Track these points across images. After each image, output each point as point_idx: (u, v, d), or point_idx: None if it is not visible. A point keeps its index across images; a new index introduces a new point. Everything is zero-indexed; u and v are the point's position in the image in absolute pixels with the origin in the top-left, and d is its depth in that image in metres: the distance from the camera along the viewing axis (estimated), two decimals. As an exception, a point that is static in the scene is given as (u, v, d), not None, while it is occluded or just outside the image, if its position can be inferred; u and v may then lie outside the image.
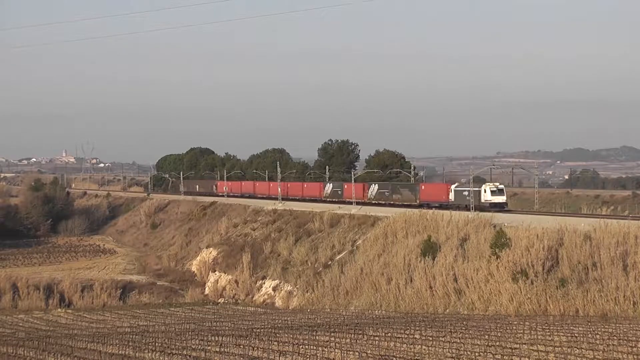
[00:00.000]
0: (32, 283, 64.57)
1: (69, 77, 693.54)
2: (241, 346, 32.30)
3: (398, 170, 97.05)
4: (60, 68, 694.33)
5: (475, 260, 47.23)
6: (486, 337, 32.29)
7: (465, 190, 71.76)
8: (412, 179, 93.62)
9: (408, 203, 76.69)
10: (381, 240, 57.96)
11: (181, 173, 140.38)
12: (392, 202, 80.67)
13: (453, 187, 74.57)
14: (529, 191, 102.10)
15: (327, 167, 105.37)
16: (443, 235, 53.04)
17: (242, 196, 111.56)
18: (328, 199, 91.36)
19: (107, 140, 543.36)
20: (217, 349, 32.02)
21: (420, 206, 72.59)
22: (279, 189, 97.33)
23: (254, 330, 39.78)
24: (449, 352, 28.80)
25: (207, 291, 70.70)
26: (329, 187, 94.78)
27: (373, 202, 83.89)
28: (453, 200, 72.66)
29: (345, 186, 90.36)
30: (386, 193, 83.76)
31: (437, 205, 71.75)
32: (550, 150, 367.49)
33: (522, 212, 63.92)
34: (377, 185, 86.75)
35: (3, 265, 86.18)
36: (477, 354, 28.09)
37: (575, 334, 32.08)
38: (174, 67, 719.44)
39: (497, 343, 30.29)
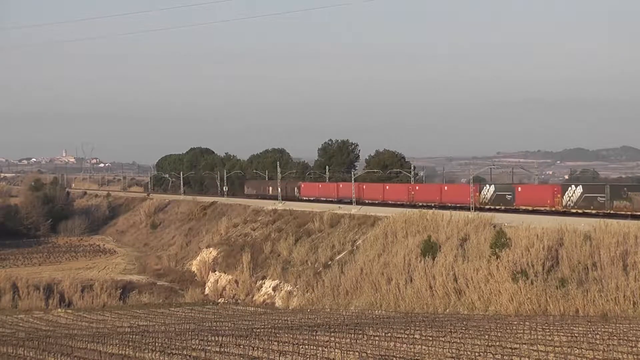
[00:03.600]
0: (32, 283, 64.58)
1: (69, 77, 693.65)
2: (241, 346, 32.30)
3: (398, 170, 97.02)
4: (60, 68, 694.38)
5: (475, 260, 47.26)
6: (486, 337, 32.29)
7: None
8: (412, 179, 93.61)
9: None
10: (381, 240, 57.99)
11: (181, 173, 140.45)
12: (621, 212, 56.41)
13: None
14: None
15: (327, 167, 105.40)
16: (443, 235, 53.06)
17: (317, 200, 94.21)
18: (486, 207, 68.41)
19: (107, 140, 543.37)
20: (217, 349, 32.02)
21: None
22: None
23: (254, 330, 39.78)
24: (449, 352, 28.80)
25: (207, 291, 70.71)
26: (488, 190, 71.08)
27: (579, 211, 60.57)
28: None
29: (519, 189, 68.53)
30: (599, 199, 59.37)
31: None
32: (550, 150, 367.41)
33: (522, 212, 63.90)
34: (580, 187, 62.57)
35: (3, 265, 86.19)
36: (477, 354, 28.09)
37: (575, 334, 32.08)
38: (174, 67, 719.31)
39: (497, 343, 30.29)
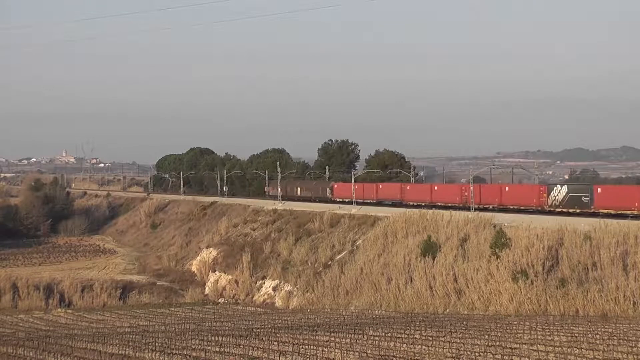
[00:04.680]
0: (32, 283, 64.60)
1: (69, 77, 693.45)
2: (241, 346, 32.29)
3: (398, 170, 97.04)
4: (60, 68, 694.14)
5: (475, 260, 47.27)
6: (486, 337, 32.29)
7: None
8: (412, 179, 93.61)
9: None
10: (381, 240, 58.01)
11: (181, 173, 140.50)
12: None
13: None
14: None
15: (327, 167, 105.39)
16: (443, 235, 53.08)
17: (358, 202, 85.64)
18: (556, 210, 61.91)
19: (107, 140, 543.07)
20: (217, 349, 32.02)
21: None
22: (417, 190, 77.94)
23: (254, 330, 39.78)
24: (449, 352, 28.80)
25: (207, 291, 70.72)
26: (558, 191, 63.13)
27: None
28: None
29: (599, 190, 59.88)
30: None
31: None
32: (550, 150, 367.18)
33: (522, 212, 63.80)
34: None
35: (3, 265, 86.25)
36: (477, 354, 28.09)
37: (575, 334, 32.08)
38: (174, 67, 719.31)
39: (497, 343, 30.29)
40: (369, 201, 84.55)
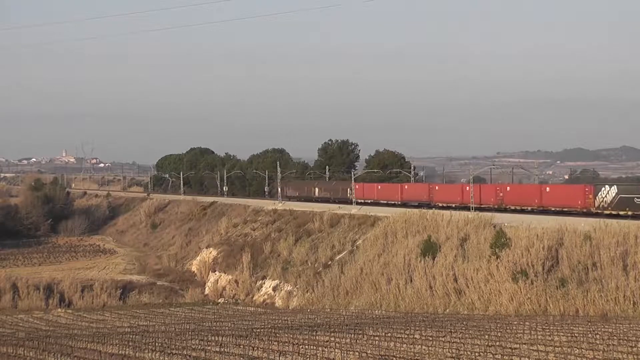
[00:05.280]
0: (32, 283, 64.61)
1: (69, 77, 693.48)
2: (241, 346, 32.29)
3: (398, 170, 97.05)
4: (60, 68, 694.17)
5: (475, 260, 47.26)
6: (486, 337, 32.28)
7: None
8: (412, 179, 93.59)
9: None
10: (381, 240, 57.99)
11: (181, 173, 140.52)
12: None
13: None
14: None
15: (327, 167, 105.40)
16: (443, 235, 53.07)
17: (376, 203, 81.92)
18: (604, 212, 57.41)
19: (107, 140, 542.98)
20: (217, 349, 32.01)
21: None
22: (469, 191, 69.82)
23: (254, 330, 39.77)
24: (449, 352, 28.79)
25: (207, 291, 70.72)
26: (607, 191, 58.75)
27: None
28: None
29: None
30: None
31: None
32: (550, 150, 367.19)
33: (522, 212, 63.72)
34: None
35: (3, 265, 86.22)
36: (477, 354, 28.09)
37: (575, 334, 32.08)
38: (174, 67, 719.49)
39: (497, 343, 30.29)
40: (393, 202, 79.53)
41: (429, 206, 71.14)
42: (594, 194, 59.34)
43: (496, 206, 66.61)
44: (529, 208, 64.24)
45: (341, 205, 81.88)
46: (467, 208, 66.84)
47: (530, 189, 69.02)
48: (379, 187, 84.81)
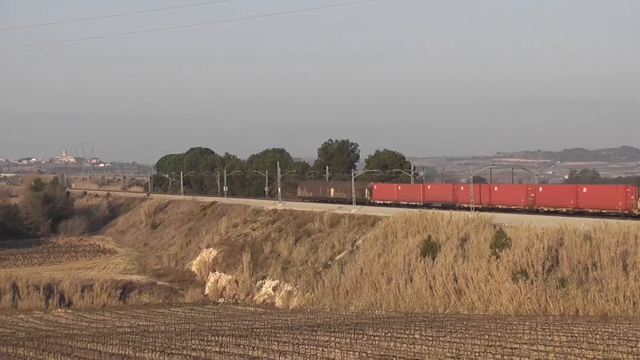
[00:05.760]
0: (32, 283, 64.61)
1: (69, 77, 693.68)
2: (241, 346, 32.30)
3: (398, 170, 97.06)
4: (60, 68, 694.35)
5: (475, 260, 47.25)
6: (486, 337, 32.29)
7: None
8: (412, 179, 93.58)
9: None
10: (381, 240, 57.98)
11: (181, 173, 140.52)
12: None
13: None
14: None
15: (327, 167, 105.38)
16: (443, 235, 53.06)
17: (396, 204, 77.25)
18: None
19: (107, 140, 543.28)
20: (217, 349, 32.03)
21: None
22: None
23: (254, 330, 39.78)
24: (449, 352, 28.80)
25: (207, 291, 70.72)
26: None
27: None
28: None
29: None
30: None
31: None
32: (550, 150, 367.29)
33: (522, 212, 63.56)
34: None
35: (3, 265, 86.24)
36: (477, 354, 28.09)
37: (575, 334, 32.08)
38: (174, 66, 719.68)
39: (497, 343, 30.29)
40: (414, 204, 74.56)
41: (453, 207, 68.46)
42: (637, 195, 55.64)
43: (527, 207, 63.00)
44: (564, 210, 60.87)
45: (341, 206, 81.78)
46: (492, 209, 63.44)
47: (565, 190, 65.68)
48: (399, 187, 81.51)
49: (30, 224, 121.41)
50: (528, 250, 44.56)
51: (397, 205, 76.91)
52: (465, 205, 67.56)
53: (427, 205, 71.84)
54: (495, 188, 69.02)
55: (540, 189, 66.89)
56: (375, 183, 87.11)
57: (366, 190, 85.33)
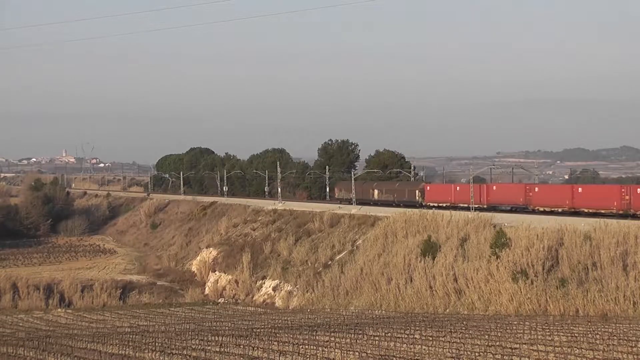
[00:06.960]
0: (32, 283, 64.62)
1: (69, 77, 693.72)
2: (241, 346, 32.29)
3: (398, 170, 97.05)
4: (60, 68, 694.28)
5: (475, 260, 47.23)
6: (486, 337, 32.28)
7: None
8: (412, 179, 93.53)
9: None
10: (381, 240, 57.96)
11: (181, 173, 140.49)
12: None
13: None
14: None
15: (327, 167, 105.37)
16: (443, 235, 53.05)
17: (453, 207, 69.23)
18: None
19: (107, 140, 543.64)
20: (217, 349, 32.02)
21: None
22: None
23: (254, 330, 39.77)
24: (449, 352, 28.79)
25: (207, 291, 70.70)
26: None
27: None
28: None
29: None
30: None
31: None
32: (550, 150, 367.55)
33: (522, 212, 63.48)
34: None
35: (3, 265, 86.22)
36: (477, 354, 28.08)
37: (575, 334, 32.07)
38: (174, 67, 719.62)
39: (497, 343, 30.28)
40: (477, 207, 67.08)
41: (525, 211, 63.44)
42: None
43: (622, 212, 56.63)
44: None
45: (341, 205, 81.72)
46: (577, 214, 58.42)
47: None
48: (457, 188, 74.27)
49: (30, 224, 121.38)
50: (528, 250, 44.55)
51: (455, 208, 68.73)
52: (542, 209, 62.59)
53: (493, 209, 65.74)
54: (580, 189, 62.40)
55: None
56: (427, 183, 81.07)
57: (417, 191, 77.67)
